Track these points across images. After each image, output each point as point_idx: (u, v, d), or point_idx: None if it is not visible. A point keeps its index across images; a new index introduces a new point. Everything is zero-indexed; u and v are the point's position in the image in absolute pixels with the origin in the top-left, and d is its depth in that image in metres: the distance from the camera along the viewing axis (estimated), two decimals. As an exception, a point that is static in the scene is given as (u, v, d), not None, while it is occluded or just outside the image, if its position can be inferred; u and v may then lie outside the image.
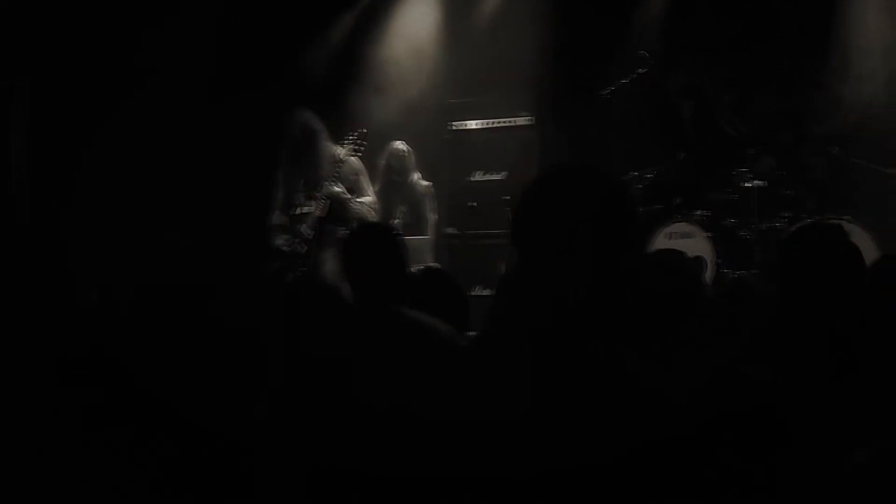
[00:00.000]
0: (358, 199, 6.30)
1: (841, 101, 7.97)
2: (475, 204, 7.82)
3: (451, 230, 7.83)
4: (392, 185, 7.21)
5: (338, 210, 6.11)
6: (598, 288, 1.72)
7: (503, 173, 7.84)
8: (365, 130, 6.31)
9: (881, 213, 7.09)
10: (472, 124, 8.07)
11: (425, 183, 7.32)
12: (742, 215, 7.17)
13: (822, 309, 2.59)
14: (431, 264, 6.54)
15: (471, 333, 3.54)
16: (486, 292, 7.20)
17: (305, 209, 6.15)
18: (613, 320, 1.75)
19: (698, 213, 7.29)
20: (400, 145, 7.32)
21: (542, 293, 1.73)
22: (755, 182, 7.10)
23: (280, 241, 6.12)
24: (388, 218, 7.20)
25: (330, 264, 6.16)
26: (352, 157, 6.33)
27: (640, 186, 7.38)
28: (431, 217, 7.28)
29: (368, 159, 6.92)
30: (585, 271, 1.71)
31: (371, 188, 6.61)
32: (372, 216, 6.44)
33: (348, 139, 6.18)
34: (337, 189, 6.09)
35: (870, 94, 7.82)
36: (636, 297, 2.73)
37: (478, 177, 7.97)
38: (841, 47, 7.83)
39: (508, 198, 7.44)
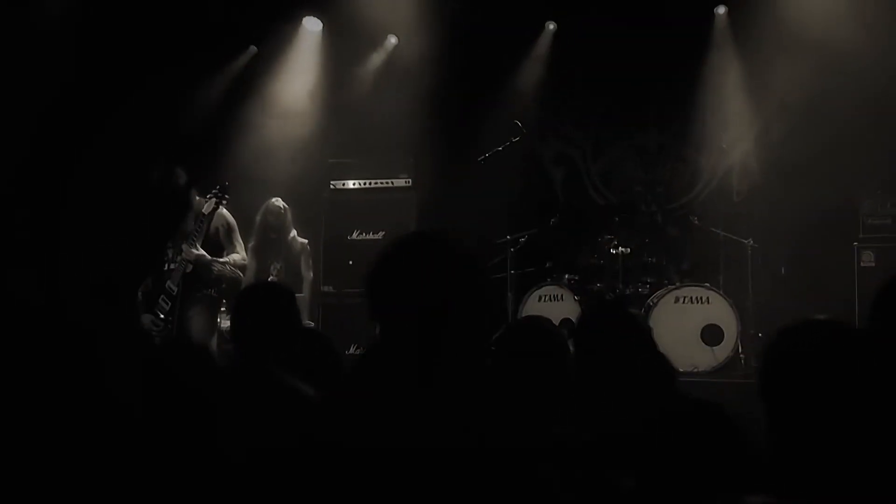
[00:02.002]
0: (221, 259, 6.19)
1: (701, 173, 8.45)
2: (352, 262, 7.87)
3: (327, 288, 7.85)
4: (269, 241, 7.17)
5: (202, 269, 6.03)
6: (463, 350, 1.79)
7: (381, 233, 7.94)
8: (227, 183, 6.25)
9: (739, 280, 7.48)
10: (351, 184, 8.17)
11: (302, 240, 7.33)
12: (608, 280, 7.45)
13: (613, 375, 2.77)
14: (306, 323, 6.56)
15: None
16: (362, 351, 7.23)
17: (173, 265, 6.05)
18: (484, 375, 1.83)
19: (568, 276, 7.54)
20: (277, 202, 7.31)
21: (405, 361, 1.80)
22: (620, 249, 7.40)
23: (146, 319, 5.98)
24: (263, 275, 7.17)
25: (196, 322, 6.07)
26: (221, 211, 6.26)
27: (513, 250, 7.59)
28: (308, 275, 7.28)
29: (246, 214, 6.89)
30: (446, 335, 1.78)
31: (241, 243, 6.55)
32: (237, 275, 6.33)
33: (210, 193, 6.12)
34: (197, 252, 6.00)
35: (728, 166, 8.33)
36: (505, 362, 2.85)
37: (355, 236, 8.04)
38: (702, 122, 8.33)
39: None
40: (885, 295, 2.98)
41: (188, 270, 5.96)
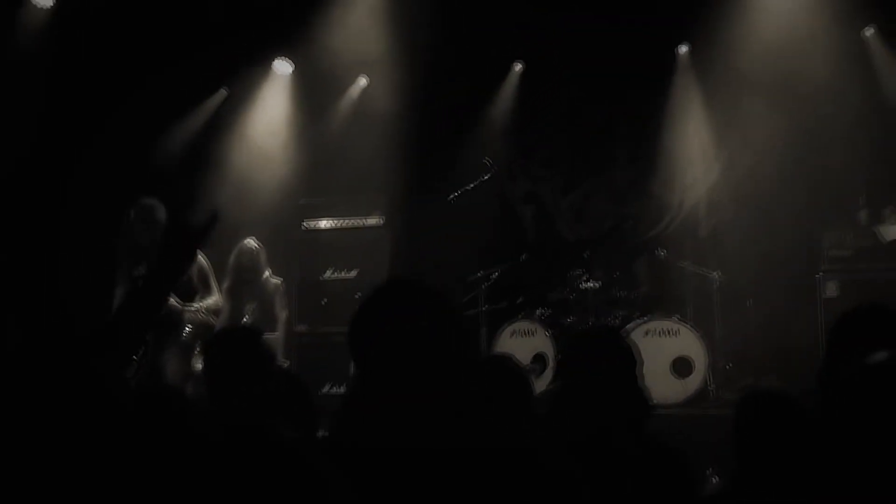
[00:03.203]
0: (193, 307, 6.21)
1: (668, 208, 8.60)
2: (326, 302, 7.92)
3: (301, 328, 7.88)
4: (242, 282, 7.21)
5: (174, 313, 6.05)
6: (440, 393, 1.87)
7: (354, 271, 7.99)
8: None
9: (707, 312, 7.59)
10: (324, 223, 8.23)
11: (276, 280, 7.38)
12: (580, 314, 7.54)
13: (595, 405, 2.82)
14: (280, 363, 6.59)
15: (320, 434, 3.62)
16: (337, 390, 7.26)
17: None
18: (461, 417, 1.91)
19: (539, 311, 7.62)
20: (250, 243, 7.36)
21: (383, 404, 1.88)
22: (591, 283, 7.50)
23: None
24: (238, 316, 7.21)
25: (169, 366, 6.07)
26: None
27: (485, 286, 7.68)
28: (282, 315, 7.32)
29: (219, 256, 6.92)
30: (424, 378, 1.87)
31: (216, 286, 6.56)
32: (209, 319, 6.34)
33: None
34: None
35: (694, 201, 8.48)
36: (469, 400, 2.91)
37: (329, 275, 8.09)
38: (668, 158, 8.49)
39: (360, 295, 7.59)
40: (840, 329, 3.10)
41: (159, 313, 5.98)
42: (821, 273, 7.34)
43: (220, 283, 6.77)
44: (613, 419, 2.78)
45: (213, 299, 6.40)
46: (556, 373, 3.10)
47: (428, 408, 1.87)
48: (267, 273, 7.30)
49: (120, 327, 2.30)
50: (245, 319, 7.12)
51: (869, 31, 7.98)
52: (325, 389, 7.26)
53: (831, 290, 7.24)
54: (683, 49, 8.57)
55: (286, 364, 6.92)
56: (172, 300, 6.01)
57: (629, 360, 2.96)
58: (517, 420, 2.78)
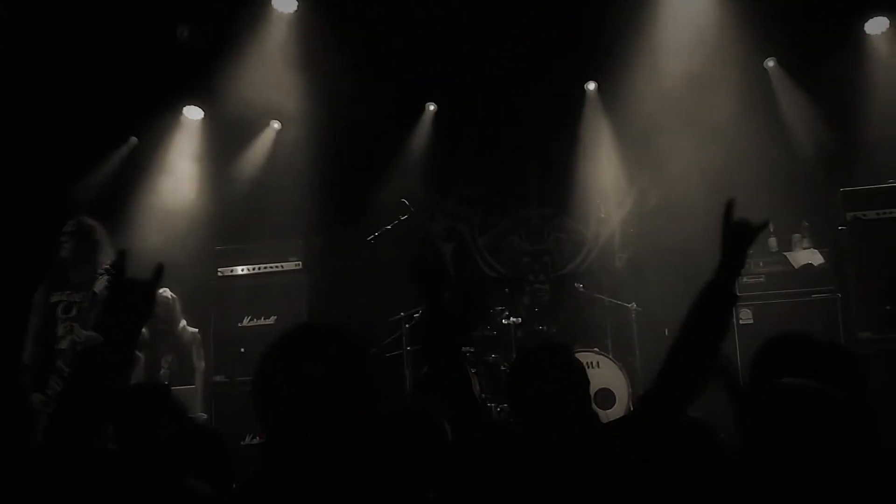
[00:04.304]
0: None
1: (583, 242, 8.71)
2: (244, 350, 7.77)
3: (220, 378, 7.71)
4: (158, 333, 7.03)
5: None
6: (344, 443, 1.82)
7: (272, 318, 7.86)
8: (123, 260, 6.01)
9: (626, 343, 7.68)
10: (240, 270, 8.10)
11: (192, 330, 7.21)
12: (502, 350, 7.55)
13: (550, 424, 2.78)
14: (199, 416, 6.44)
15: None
16: (258, 441, 7.10)
17: (64, 345, 5.83)
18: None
19: (463, 349, 7.58)
20: (165, 293, 7.18)
21: (287, 452, 1.82)
22: (512, 319, 7.53)
23: (35, 398, 5.72)
24: (154, 368, 7.02)
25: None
26: None
27: (408, 326, 7.63)
28: (200, 365, 7.15)
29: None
30: (328, 428, 1.81)
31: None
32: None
33: (101, 272, 5.96)
34: (87, 332, 5.79)
35: (608, 234, 8.61)
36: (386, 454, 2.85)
37: (246, 322, 7.94)
38: (580, 193, 8.62)
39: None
40: (761, 356, 3.18)
41: (79, 350, 5.79)
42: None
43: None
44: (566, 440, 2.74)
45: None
46: (506, 389, 3.02)
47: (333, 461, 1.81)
48: (183, 323, 7.14)
49: (74, 399, 2.19)
50: (162, 372, 6.95)
51: (770, 63, 8.25)
52: (247, 440, 7.10)
53: (746, 316, 7.38)
54: (591, 86, 8.74)
55: (204, 416, 6.77)
56: (94, 335, 5.79)
57: (582, 379, 2.92)
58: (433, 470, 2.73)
